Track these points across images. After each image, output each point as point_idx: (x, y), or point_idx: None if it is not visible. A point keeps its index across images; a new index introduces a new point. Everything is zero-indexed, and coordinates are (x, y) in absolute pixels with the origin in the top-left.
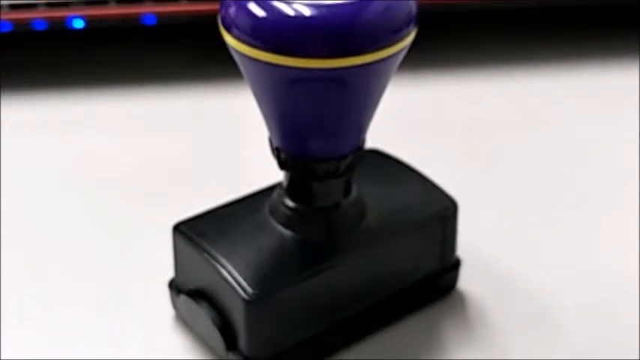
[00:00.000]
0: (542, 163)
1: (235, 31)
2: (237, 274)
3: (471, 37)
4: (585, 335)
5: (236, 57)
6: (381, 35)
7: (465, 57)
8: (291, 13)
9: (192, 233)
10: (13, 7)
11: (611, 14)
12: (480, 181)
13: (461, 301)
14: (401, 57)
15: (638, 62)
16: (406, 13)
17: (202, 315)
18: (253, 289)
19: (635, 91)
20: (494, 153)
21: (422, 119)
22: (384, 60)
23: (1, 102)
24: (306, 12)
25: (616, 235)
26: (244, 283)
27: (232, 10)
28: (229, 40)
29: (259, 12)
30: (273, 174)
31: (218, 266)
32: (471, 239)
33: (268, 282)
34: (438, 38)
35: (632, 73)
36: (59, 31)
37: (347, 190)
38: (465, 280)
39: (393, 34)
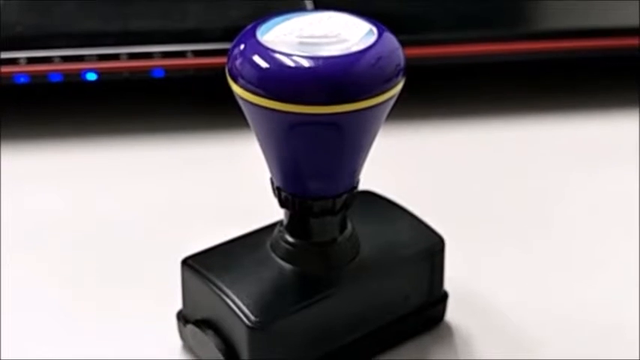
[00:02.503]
0: (529, 202)
1: (241, 80)
2: (240, 304)
3: (465, 86)
4: None
5: (241, 104)
6: (373, 84)
7: (460, 104)
8: (291, 64)
9: (200, 267)
10: (30, 60)
11: (609, 64)
12: (467, 218)
13: (448, 333)
14: (391, 104)
15: (637, 113)
16: (395, 65)
17: (209, 343)
18: (256, 316)
19: (634, 141)
20: (480, 192)
21: (412, 162)
22: (375, 106)
23: (18, 150)
24: (305, 63)
25: (605, 272)
26: (247, 312)
27: (238, 61)
28: (236, 88)
29: (263, 63)
30: (274, 212)
31: (223, 296)
32: (457, 273)
33: (270, 311)
34: (429, 87)
35: (631, 123)
36: (73, 83)
37: (342, 227)
38: (453, 313)
39: (383, 84)
